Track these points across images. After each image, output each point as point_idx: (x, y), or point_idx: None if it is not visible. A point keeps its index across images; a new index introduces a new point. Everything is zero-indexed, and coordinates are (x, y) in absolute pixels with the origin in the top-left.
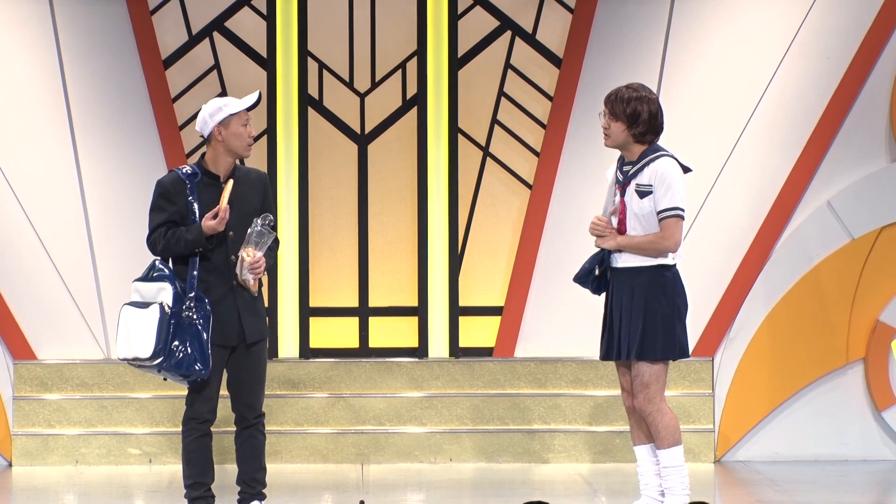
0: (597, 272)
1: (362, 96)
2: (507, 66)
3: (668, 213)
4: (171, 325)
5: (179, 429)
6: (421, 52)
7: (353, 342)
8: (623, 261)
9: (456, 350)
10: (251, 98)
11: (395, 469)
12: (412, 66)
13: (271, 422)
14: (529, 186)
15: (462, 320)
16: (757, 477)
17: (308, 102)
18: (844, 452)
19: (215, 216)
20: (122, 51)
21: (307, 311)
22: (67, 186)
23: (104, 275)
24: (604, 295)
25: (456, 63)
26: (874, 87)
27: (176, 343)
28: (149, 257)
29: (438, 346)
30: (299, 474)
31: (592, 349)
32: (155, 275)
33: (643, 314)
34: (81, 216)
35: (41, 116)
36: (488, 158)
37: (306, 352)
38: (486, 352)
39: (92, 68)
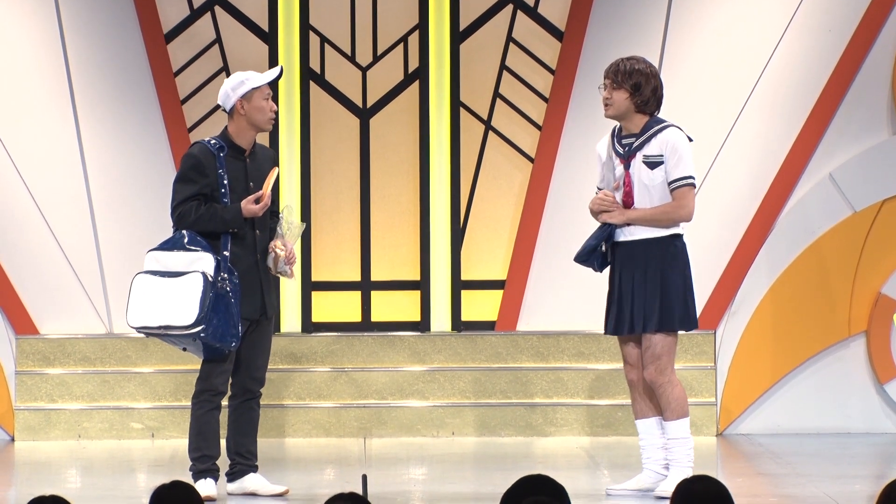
0: (602, 248)
1: (364, 70)
2: (509, 39)
3: (681, 182)
4: (213, 295)
5: (182, 403)
6: (422, 26)
7: (356, 316)
8: (631, 234)
9: (458, 324)
10: (273, 72)
11: (398, 443)
12: (414, 40)
13: (273, 396)
14: (531, 160)
15: (464, 294)
16: (759, 450)
17: (309, 76)
18: (847, 425)
19: (256, 201)
20: (123, 25)
21: (309, 286)
22: (69, 161)
23: (106, 249)
24: (607, 270)
25: (458, 37)
26: (876, 59)
27: (215, 313)
28: (151, 229)
29: (440, 319)
30: (301, 448)
31: (595, 323)
32: (189, 245)
33: (660, 286)
34: (83, 190)
35: (43, 91)
36: (490, 132)
37: (308, 326)
38: (488, 325)
39: (93, 43)
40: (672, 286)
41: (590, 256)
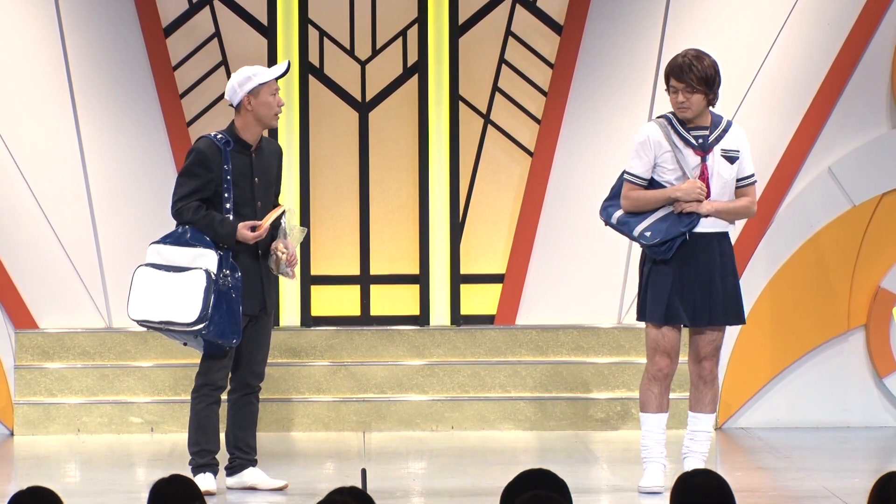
0: (687, 238)
1: (363, 64)
2: (508, 33)
3: (754, 179)
4: (215, 292)
5: (181, 397)
6: (422, 20)
7: (355, 310)
8: (708, 226)
9: (457, 318)
10: (280, 67)
11: (397, 437)
12: (413, 34)
13: (273, 390)
14: (530, 154)
15: (463, 288)
16: (758, 444)
17: (308, 70)
18: (846, 419)
19: (253, 228)
20: (122, 19)
21: (308, 280)
22: (68, 155)
23: (105, 243)
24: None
25: (457, 30)
26: (875, 53)
27: (217, 310)
28: (151, 223)
29: (440, 313)
30: (301, 442)
31: (594, 317)
32: (191, 240)
33: (735, 278)
34: (82, 184)
35: (42, 85)
36: (489, 126)
37: (308, 320)
38: (487, 319)
39: (92, 36)
40: (738, 279)
41: (671, 244)
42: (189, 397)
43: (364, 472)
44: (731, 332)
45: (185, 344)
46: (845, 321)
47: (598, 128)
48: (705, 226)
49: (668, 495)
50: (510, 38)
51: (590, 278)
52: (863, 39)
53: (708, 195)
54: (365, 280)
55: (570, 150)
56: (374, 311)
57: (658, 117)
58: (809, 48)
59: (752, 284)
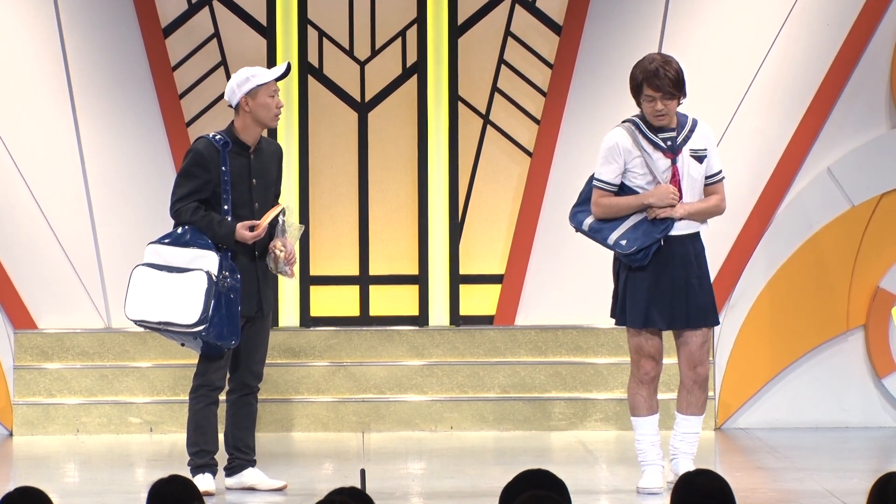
0: (662, 243)
1: (362, 64)
2: (508, 33)
3: (722, 176)
4: (215, 294)
5: (180, 397)
6: (421, 20)
7: (354, 310)
8: (682, 228)
9: (456, 318)
10: (279, 69)
11: (396, 437)
12: (412, 34)
13: (272, 390)
14: (530, 154)
15: (462, 288)
16: (757, 444)
17: (308, 70)
18: (845, 419)
19: (252, 228)
20: (121, 19)
21: (308, 280)
22: (67, 155)
23: (104, 244)
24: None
25: (456, 31)
26: (874, 53)
27: (217, 312)
28: (150, 223)
29: (439, 314)
30: (300, 443)
31: (593, 317)
32: (191, 241)
33: (708, 279)
34: (82, 185)
35: (41, 85)
36: (488, 126)
37: (307, 320)
38: (486, 320)
39: (92, 37)
40: (710, 280)
41: (647, 252)
42: (188, 398)
43: (363, 472)
44: (731, 333)
45: (182, 344)
46: (844, 321)
47: (597, 128)
48: (679, 228)
49: (667, 495)
50: (509, 39)
51: (589, 278)
52: (862, 40)
53: (680, 197)
54: (364, 280)
55: (569, 151)
56: (374, 311)
57: (623, 122)
58: (809, 48)
59: (752, 284)
